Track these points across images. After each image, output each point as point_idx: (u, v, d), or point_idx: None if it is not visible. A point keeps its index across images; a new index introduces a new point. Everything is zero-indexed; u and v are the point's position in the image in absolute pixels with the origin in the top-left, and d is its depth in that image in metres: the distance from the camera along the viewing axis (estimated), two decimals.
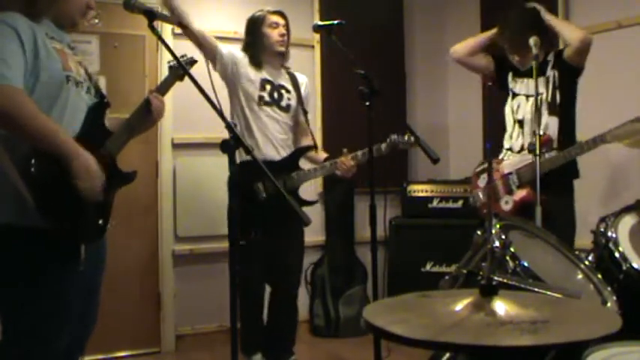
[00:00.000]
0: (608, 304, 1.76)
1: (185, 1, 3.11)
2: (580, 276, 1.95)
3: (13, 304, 1.91)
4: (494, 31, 3.22)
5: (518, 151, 3.09)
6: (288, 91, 3.29)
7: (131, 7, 2.05)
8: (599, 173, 3.55)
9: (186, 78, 2.03)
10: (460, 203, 4.21)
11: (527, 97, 3.10)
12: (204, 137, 3.91)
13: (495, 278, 1.33)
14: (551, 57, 3.06)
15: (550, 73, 3.04)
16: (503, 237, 1.74)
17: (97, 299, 2.17)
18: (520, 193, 2.99)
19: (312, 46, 4.38)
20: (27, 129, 1.81)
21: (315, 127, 4.19)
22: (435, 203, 4.28)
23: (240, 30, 3.41)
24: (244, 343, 3.21)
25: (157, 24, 2.05)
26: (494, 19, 3.25)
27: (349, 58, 2.52)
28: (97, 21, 2.16)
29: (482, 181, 3.21)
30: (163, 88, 2.34)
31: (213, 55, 3.15)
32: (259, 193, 3.08)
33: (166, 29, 3.76)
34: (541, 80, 2.94)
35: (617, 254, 2.13)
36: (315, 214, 3.94)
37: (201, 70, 2.20)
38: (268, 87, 3.23)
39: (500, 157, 3.17)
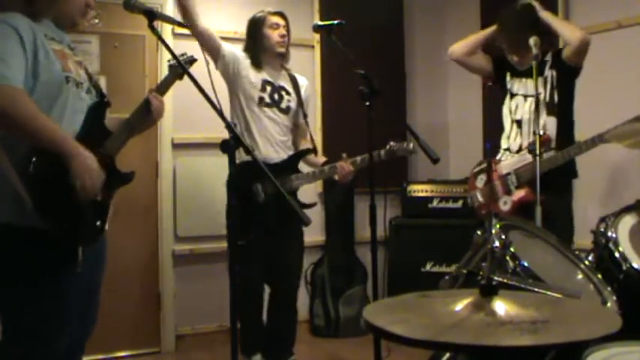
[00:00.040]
0: (608, 304, 1.76)
1: None
2: (580, 276, 1.95)
3: (13, 304, 1.91)
4: (491, 29, 3.22)
5: (517, 152, 3.09)
6: (288, 93, 3.29)
7: (131, 7, 2.05)
8: (599, 173, 3.55)
9: (186, 77, 2.03)
10: (460, 203, 4.21)
11: (526, 97, 3.09)
12: (204, 137, 3.92)
13: (495, 278, 1.34)
14: (549, 57, 3.05)
15: (548, 73, 3.03)
16: (503, 237, 1.74)
17: (97, 299, 2.17)
18: (519, 194, 2.99)
19: (312, 46, 4.38)
20: (27, 128, 1.81)
21: (315, 128, 4.19)
22: (435, 203, 4.28)
23: (240, 30, 3.41)
24: (244, 344, 3.21)
25: (157, 24, 2.05)
26: (494, 18, 3.24)
27: (349, 58, 2.52)
28: (97, 21, 2.16)
29: (479, 181, 3.21)
30: (163, 87, 2.34)
31: (216, 53, 3.15)
32: (258, 194, 3.08)
33: (166, 29, 3.76)
34: (539, 80, 2.93)
35: (617, 254, 2.13)
36: (315, 214, 3.94)
37: (201, 69, 2.20)
38: (269, 88, 3.23)
39: (498, 157, 3.16)
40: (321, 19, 4.05)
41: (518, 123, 3.10)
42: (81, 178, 1.85)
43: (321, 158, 3.33)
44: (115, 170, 2.10)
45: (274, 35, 3.21)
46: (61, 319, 1.93)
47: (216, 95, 1.93)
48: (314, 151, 3.31)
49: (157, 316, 3.91)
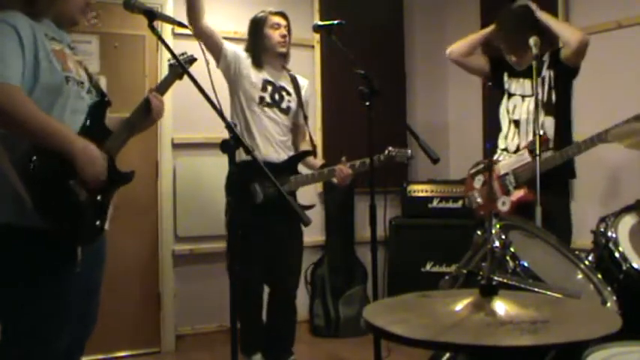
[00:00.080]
0: (608, 304, 1.76)
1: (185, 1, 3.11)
2: (580, 276, 1.95)
3: (13, 304, 1.91)
4: (489, 29, 3.22)
5: (514, 152, 3.09)
6: (289, 94, 3.29)
7: (131, 7, 2.05)
8: (598, 173, 3.54)
9: (186, 77, 2.03)
10: (460, 203, 4.20)
11: (523, 97, 3.09)
12: (204, 137, 3.91)
13: (495, 278, 1.33)
14: (546, 57, 3.05)
15: (546, 73, 3.03)
16: (503, 237, 1.74)
17: (97, 299, 2.17)
18: (517, 194, 2.98)
19: (312, 46, 4.38)
20: (27, 126, 1.81)
21: (314, 128, 4.19)
22: (435, 203, 4.28)
23: (240, 30, 3.41)
24: (244, 343, 3.21)
25: (157, 24, 2.05)
26: (494, 19, 3.24)
27: (349, 58, 2.52)
28: (96, 20, 2.15)
29: (477, 182, 3.21)
30: (163, 87, 2.33)
31: (218, 52, 3.16)
32: (257, 194, 3.08)
33: (166, 29, 3.76)
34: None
35: (617, 254, 2.13)
36: (315, 214, 3.94)
37: (201, 69, 2.20)
38: (270, 88, 3.23)
39: (495, 157, 3.16)
40: (321, 19, 4.05)
41: (516, 123, 3.10)
42: (86, 169, 1.85)
43: (319, 160, 3.34)
44: (115, 170, 2.10)
45: (275, 35, 3.21)
46: (60, 319, 1.93)
47: (216, 95, 1.93)
48: (313, 152, 3.32)
49: (157, 316, 3.91)
